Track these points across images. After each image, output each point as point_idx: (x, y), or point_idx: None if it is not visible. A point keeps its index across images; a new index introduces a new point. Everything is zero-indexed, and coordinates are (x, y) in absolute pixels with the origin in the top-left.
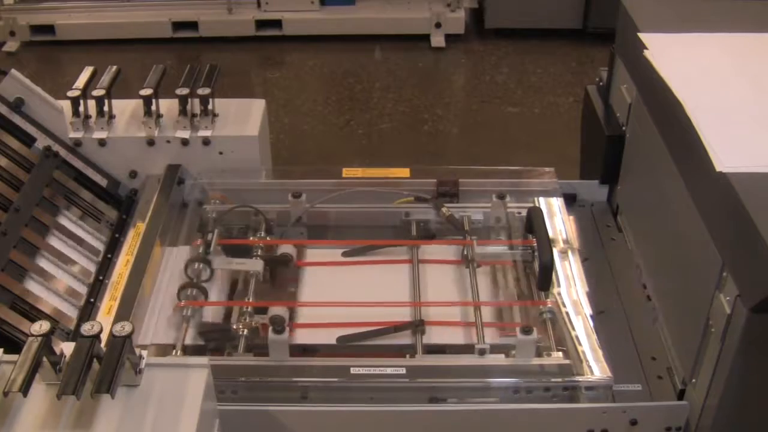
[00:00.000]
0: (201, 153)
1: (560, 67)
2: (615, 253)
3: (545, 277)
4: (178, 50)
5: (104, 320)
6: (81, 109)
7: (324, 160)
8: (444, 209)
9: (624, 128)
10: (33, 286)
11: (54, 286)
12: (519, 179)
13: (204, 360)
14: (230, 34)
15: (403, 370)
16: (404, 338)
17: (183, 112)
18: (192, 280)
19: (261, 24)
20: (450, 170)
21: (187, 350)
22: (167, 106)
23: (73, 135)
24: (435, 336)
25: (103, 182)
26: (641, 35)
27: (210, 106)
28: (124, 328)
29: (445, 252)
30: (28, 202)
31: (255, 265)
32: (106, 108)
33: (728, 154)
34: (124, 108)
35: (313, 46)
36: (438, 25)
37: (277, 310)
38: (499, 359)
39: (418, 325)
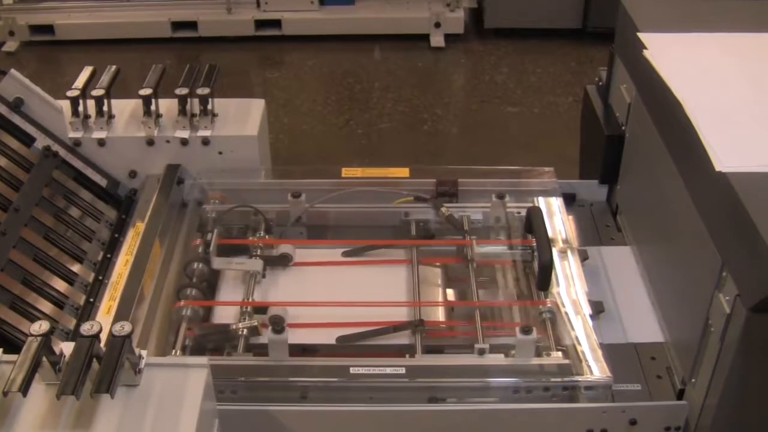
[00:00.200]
0: (200, 153)
1: (560, 67)
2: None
3: (545, 277)
4: (177, 50)
5: (104, 320)
6: (80, 108)
7: (323, 159)
8: (443, 209)
9: (623, 128)
10: (33, 286)
11: (54, 285)
12: (518, 179)
13: (203, 360)
14: (230, 34)
15: (402, 370)
16: (404, 338)
17: (182, 111)
18: (191, 280)
19: (260, 24)
20: (449, 170)
21: (187, 350)
22: (167, 105)
23: (72, 135)
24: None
25: (102, 182)
26: (641, 35)
27: (209, 106)
28: (123, 327)
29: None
30: (27, 202)
31: (255, 265)
32: (105, 108)
33: (728, 154)
34: (124, 108)
35: (313, 46)
36: (437, 25)
37: (277, 310)
38: (498, 359)
39: (417, 325)
